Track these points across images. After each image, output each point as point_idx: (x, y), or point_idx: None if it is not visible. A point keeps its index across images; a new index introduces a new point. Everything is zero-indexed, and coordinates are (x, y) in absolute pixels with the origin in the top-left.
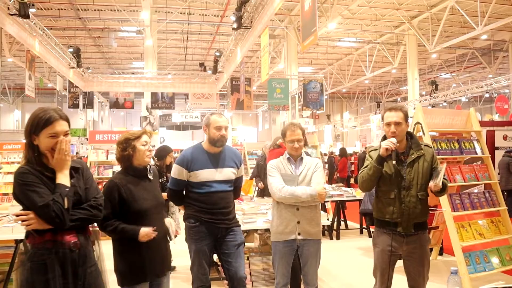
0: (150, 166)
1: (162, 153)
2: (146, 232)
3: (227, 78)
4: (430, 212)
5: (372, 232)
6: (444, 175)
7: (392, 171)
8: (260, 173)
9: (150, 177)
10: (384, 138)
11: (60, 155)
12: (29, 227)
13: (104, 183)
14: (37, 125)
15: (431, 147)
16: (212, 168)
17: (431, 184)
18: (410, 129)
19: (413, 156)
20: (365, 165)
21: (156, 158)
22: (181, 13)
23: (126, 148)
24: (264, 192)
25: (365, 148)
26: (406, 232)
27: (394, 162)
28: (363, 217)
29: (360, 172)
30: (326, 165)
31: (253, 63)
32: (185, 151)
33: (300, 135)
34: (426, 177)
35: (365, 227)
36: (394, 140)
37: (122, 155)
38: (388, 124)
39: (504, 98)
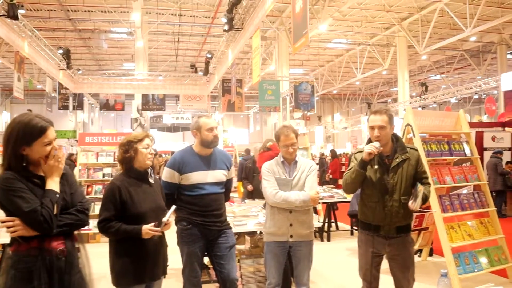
0: (151, 169)
1: None
2: (148, 227)
3: (218, 79)
4: (420, 213)
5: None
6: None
7: (375, 175)
8: (248, 175)
9: (151, 180)
10: (369, 141)
11: (54, 162)
12: (15, 234)
13: (94, 186)
14: (30, 136)
15: (417, 150)
16: (204, 170)
17: (410, 204)
18: (400, 131)
19: (397, 160)
20: (349, 167)
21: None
22: (172, 15)
23: (128, 150)
24: (252, 195)
25: (356, 149)
26: (388, 234)
27: (376, 166)
28: (353, 219)
29: (344, 174)
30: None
31: (244, 65)
32: (176, 154)
33: (294, 139)
34: (410, 181)
35: (356, 228)
36: (377, 144)
37: (124, 157)
38: (372, 128)
39: (493, 99)
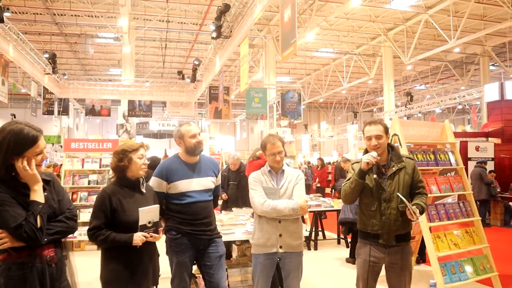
0: (143, 178)
1: (156, 163)
2: (138, 235)
3: (205, 87)
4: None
5: (349, 242)
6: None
7: (373, 184)
8: (223, 184)
9: (143, 190)
10: (366, 151)
11: (25, 172)
12: (4, 246)
13: (79, 192)
14: (22, 145)
15: (412, 159)
16: (191, 178)
17: (408, 214)
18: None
19: (393, 168)
20: (347, 178)
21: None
22: (159, 21)
23: (123, 159)
24: (227, 204)
25: (341, 157)
26: (387, 243)
27: (375, 176)
28: (341, 227)
29: (343, 184)
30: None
31: (231, 72)
32: (163, 162)
33: (281, 147)
34: (406, 189)
35: (343, 237)
36: (374, 154)
37: (118, 165)
38: (369, 138)
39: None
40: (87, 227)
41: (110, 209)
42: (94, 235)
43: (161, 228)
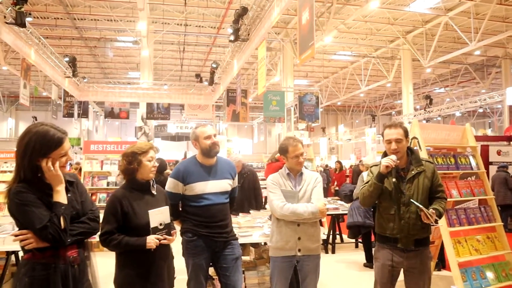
0: (153, 180)
1: (163, 166)
2: (152, 238)
3: (223, 89)
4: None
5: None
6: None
7: (392, 187)
8: None
9: (153, 192)
10: (385, 154)
11: (50, 172)
12: (29, 246)
13: (98, 194)
14: (48, 147)
15: (432, 163)
16: (208, 180)
17: (423, 218)
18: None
19: (413, 172)
20: (366, 181)
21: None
22: (178, 24)
23: (132, 161)
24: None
25: (360, 161)
26: (406, 247)
27: (394, 179)
28: (348, 230)
29: (361, 188)
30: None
31: (249, 75)
32: (180, 164)
33: (302, 149)
34: (426, 193)
35: (361, 241)
36: (394, 157)
37: (127, 168)
38: (389, 142)
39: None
40: None
41: (122, 213)
42: (106, 240)
43: (174, 230)
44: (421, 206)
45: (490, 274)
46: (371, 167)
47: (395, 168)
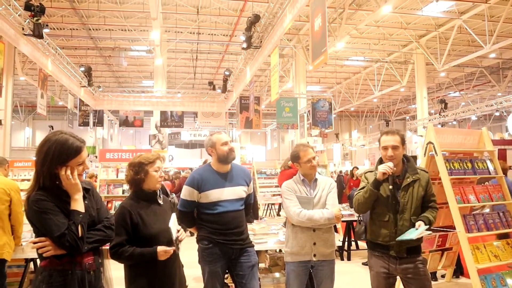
0: (160, 190)
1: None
2: (163, 249)
3: (236, 97)
4: (444, 232)
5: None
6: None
7: (387, 194)
8: None
9: (160, 201)
10: (381, 161)
11: (68, 181)
12: (47, 254)
13: (114, 201)
14: (67, 155)
15: (427, 172)
16: (223, 188)
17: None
18: (422, 149)
19: (408, 180)
20: (361, 187)
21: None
22: (190, 33)
23: (139, 172)
24: None
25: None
26: (398, 255)
27: (390, 187)
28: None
29: (356, 194)
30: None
31: (262, 82)
32: (194, 172)
33: (313, 152)
34: (419, 202)
35: None
36: (391, 164)
37: (134, 178)
38: (385, 148)
39: None
40: None
41: (131, 224)
42: (117, 253)
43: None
44: (409, 238)
45: (510, 281)
46: (366, 173)
47: (392, 175)
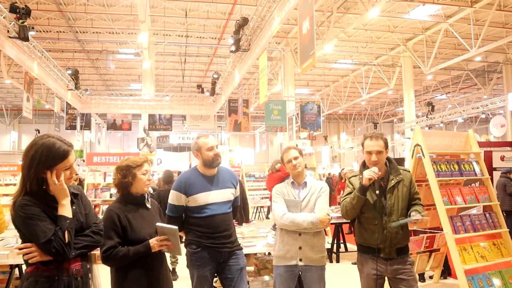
0: (148, 194)
1: (170, 176)
2: (155, 240)
3: (225, 100)
4: (432, 234)
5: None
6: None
7: (374, 198)
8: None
9: (148, 205)
10: (364, 164)
11: (55, 185)
12: (33, 260)
13: (101, 206)
14: (53, 159)
15: (409, 171)
16: (210, 191)
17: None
18: (409, 151)
19: (392, 182)
20: (347, 193)
21: (164, 183)
22: (179, 36)
23: (127, 175)
24: None
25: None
26: (388, 256)
27: (377, 191)
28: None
29: (342, 200)
30: None
31: (250, 85)
32: (181, 176)
33: (296, 153)
34: (406, 202)
35: None
36: (376, 169)
37: (121, 181)
38: (369, 153)
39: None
40: None
41: (121, 227)
42: (111, 255)
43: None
44: (403, 221)
45: (497, 281)
46: (350, 178)
47: (378, 180)
